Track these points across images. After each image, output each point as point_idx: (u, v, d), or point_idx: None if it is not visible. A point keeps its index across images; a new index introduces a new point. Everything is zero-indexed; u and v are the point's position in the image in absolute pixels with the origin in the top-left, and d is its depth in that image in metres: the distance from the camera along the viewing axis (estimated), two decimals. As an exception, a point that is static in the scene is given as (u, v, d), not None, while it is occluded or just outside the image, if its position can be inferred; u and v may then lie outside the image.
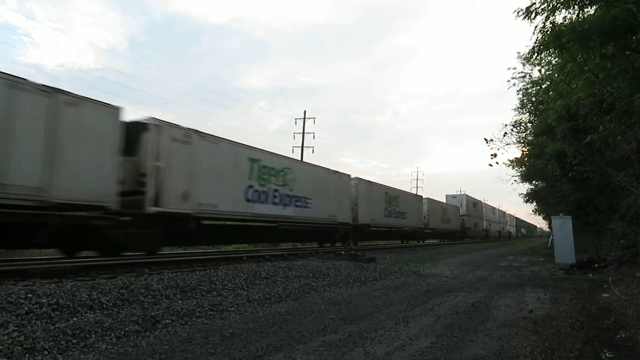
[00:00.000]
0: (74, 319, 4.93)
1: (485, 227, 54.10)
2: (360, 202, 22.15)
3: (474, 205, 49.10)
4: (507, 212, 79.43)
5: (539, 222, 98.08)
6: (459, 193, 46.51)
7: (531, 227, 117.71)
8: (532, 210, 42.32)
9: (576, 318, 5.94)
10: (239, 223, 14.46)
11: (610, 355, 4.19)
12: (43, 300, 5.16)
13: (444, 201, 41.80)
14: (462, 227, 42.12)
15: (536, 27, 8.87)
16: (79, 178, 8.94)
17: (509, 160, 27.29)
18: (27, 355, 3.92)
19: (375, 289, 8.84)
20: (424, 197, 33.79)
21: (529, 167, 25.92)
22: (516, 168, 28.24)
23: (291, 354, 4.23)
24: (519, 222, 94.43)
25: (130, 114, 10.83)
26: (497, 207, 68.02)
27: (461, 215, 42.88)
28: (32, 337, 4.23)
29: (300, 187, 17.07)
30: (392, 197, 26.15)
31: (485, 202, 60.68)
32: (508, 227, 76.30)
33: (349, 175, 21.76)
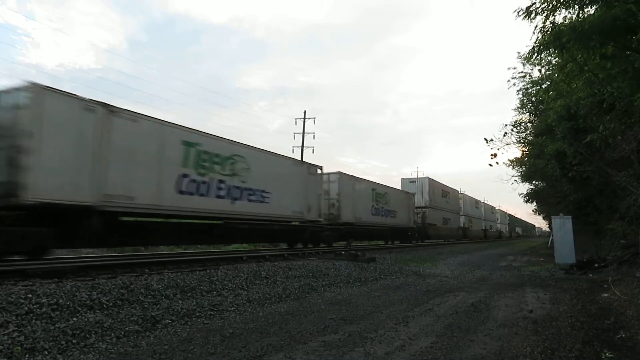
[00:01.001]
0: (74, 319, 4.93)
1: (462, 224, 43.11)
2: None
3: (444, 194, 37.23)
4: (498, 208, 68.90)
5: (538, 222, 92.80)
6: (421, 176, 34.91)
7: (529, 227, 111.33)
8: (532, 210, 42.23)
9: (576, 318, 5.94)
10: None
11: (610, 355, 4.19)
12: (43, 300, 5.16)
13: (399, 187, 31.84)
14: (421, 223, 30.94)
15: (536, 27, 8.88)
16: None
17: (509, 160, 27.30)
18: (27, 355, 3.92)
19: (375, 289, 8.84)
20: (332, 171, 20.45)
21: (529, 167, 25.91)
22: (516, 168, 28.26)
23: (291, 354, 4.23)
24: (514, 220, 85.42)
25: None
26: (483, 201, 56.47)
27: (421, 207, 31.52)
28: (32, 337, 4.23)
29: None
30: (221, 159, 13.01)
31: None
32: (498, 225, 66.23)
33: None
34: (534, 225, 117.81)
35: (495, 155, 20.02)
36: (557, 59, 12.67)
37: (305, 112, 38.67)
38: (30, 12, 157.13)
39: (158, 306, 5.86)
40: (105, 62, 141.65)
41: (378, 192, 24.49)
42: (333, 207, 20.02)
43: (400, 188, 31.27)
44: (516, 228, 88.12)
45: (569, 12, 8.94)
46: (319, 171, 18.61)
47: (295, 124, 39.00)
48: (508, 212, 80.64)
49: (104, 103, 9.93)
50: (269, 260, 12.13)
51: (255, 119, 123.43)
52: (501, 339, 4.88)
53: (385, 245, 25.49)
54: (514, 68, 23.62)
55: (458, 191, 43.33)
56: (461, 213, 43.31)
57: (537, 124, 21.72)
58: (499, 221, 66.80)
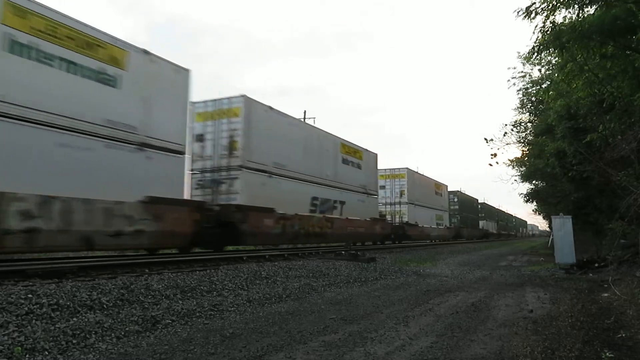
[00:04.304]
0: (74, 319, 4.93)
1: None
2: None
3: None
4: (422, 173, 32.91)
5: (535, 219, 75.69)
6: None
7: (515, 223, 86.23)
8: (532, 210, 42.11)
9: (576, 318, 5.94)
10: None
11: (610, 355, 4.19)
12: (43, 301, 5.16)
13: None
14: None
15: (536, 26, 8.90)
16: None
17: (509, 160, 27.37)
18: (27, 356, 3.92)
19: (376, 288, 8.84)
20: None
21: (529, 167, 25.94)
22: (516, 168, 28.30)
23: (291, 354, 4.22)
24: (474, 208, 50.28)
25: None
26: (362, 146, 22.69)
27: None
28: (32, 337, 4.22)
29: None
30: None
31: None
32: (403, 206, 27.78)
33: None
34: (526, 222, 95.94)
35: (495, 155, 20.17)
36: (557, 58, 12.71)
37: (305, 112, 38.53)
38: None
39: (158, 306, 5.86)
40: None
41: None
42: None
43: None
44: (482, 222, 52.92)
45: (569, 12, 8.96)
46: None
47: (294, 123, 38.69)
48: (462, 191, 46.15)
49: None
50: (269, 260, 12.15)
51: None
52: (501, 338, 4.88)
53: (386, 245, 25.29)
54: (514, 68, 23.78)
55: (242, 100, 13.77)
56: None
57: (537, 123, 21.75)
58: (405, 199, 28.27)
